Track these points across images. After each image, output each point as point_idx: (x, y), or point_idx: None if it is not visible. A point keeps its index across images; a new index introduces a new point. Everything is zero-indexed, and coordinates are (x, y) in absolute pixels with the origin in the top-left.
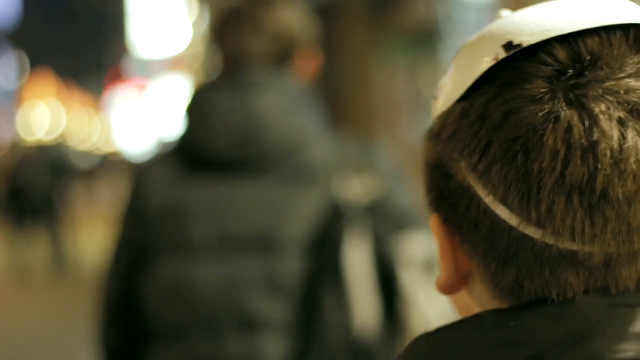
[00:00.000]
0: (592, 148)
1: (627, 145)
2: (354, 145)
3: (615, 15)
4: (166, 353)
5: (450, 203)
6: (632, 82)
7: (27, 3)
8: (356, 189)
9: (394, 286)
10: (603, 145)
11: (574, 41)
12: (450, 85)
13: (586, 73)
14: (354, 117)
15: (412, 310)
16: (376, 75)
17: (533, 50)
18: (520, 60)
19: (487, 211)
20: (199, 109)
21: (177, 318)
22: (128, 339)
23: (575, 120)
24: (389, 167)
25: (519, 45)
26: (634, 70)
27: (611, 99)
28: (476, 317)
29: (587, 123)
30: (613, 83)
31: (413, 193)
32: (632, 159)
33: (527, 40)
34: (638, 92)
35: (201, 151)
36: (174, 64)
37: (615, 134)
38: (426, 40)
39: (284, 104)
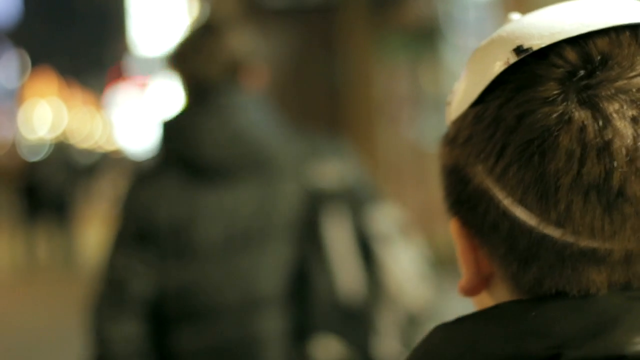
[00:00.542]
0: (606, 146)
1: None
2: (316, 139)
3: (623, 15)
4: (189, 335)
5: (468, 206)
6: None
7: (27, 2)
8: (326, 176)
9: (371, 257)
10: (617, 143)
11: (583, 42)
12: (463, 90)
13: (597, 73)
14: (354, 115)
15: (387, 276)
16: (377, 73)
17: (543, 53)
18: (531, 63)
19: (506, 213)
20: (183, 130)
21: (195, 306)
22: (149, 327)
23: (589, 120)
24: (350, 156)
25: (529, 49)
26: None
27: (623, 97)
28: (496, 308)
29: (600, 122)
30: (624, 82)
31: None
32: None
33: (537, 43)
34: None
35: (195, 165)
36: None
37: (629, 131)
38: (427, 37)
39: (250, 118)
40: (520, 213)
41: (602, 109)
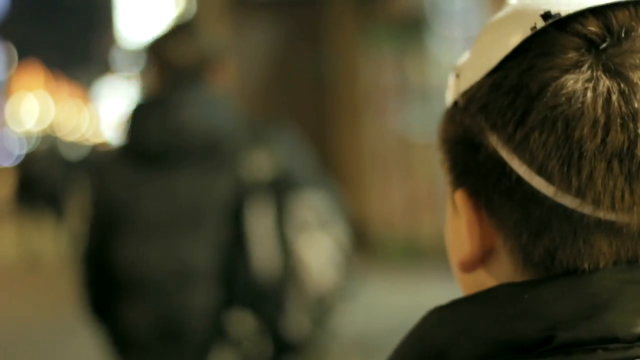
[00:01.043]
0: (631, 115)
1: None
2: (262, 130)
3: None
4: (133, 304)
5: (479, 175)
6: None
7: None
8: (258, 167)
9: (286, 243)
10: None
11: (605, 14)
12: (477, 60)
13: (622, 43)
14: (341, 106)
15: (299, 261)
16: (363, 64)
17: (565, 23)
18: (553, 33)
19: (521, 182)
20: (136, 121)
21: (137, 278)
22: (103, 293)
23: (615, 88)
24: (289, 144)
25: (557, 15)
26: None
27: None
28: (490, 291)
29: (626, 91)
30: None
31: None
32: None
33: (565, 9)
34: None
35: (143, 153)
36: None
37: None
38: (413, 28)
39: (201, 111)
40: (537, 182)
41: (628, 77)
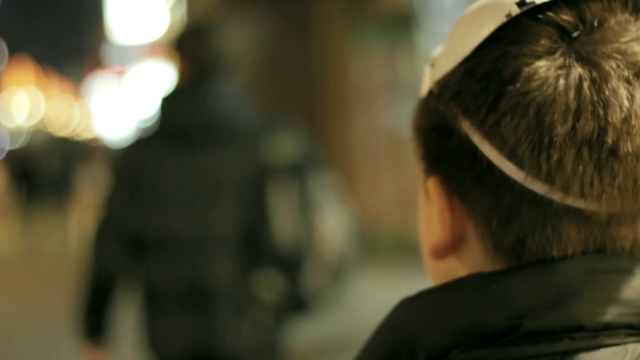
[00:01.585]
0: (602, 103)
1: (635, 103)
2: (273, 119)
3: None
4: (157, 263)
5: (451, 162)
6: (635, 46)
7: None
8: (275, 152)
9: (306, 217)
10: (613, 101)
11: (578, 4)
12: (452, 49)
13: (594, 33)
14: (330, 102)
15: (316, 232)
16: (353, 60)
17: (539, 12)
18: (526, 21)
19: (491, 167)
20: (172, 106)
21: (161, 241)
22: (126, 253)
23: (586, 76)
24: (300, 133)
25: (532, 3)
26: (635, 35)
27: (619, 57)
28: (458, 281)
29: (598, 78)
30: (620, 44)
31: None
32: None
33: None
34: None
35: (177, 134)
36: (151, 50)
37: (624, 91)
38: (403, 24)
39: (224, 101)
40: (507, 167)
41: (600, 66)
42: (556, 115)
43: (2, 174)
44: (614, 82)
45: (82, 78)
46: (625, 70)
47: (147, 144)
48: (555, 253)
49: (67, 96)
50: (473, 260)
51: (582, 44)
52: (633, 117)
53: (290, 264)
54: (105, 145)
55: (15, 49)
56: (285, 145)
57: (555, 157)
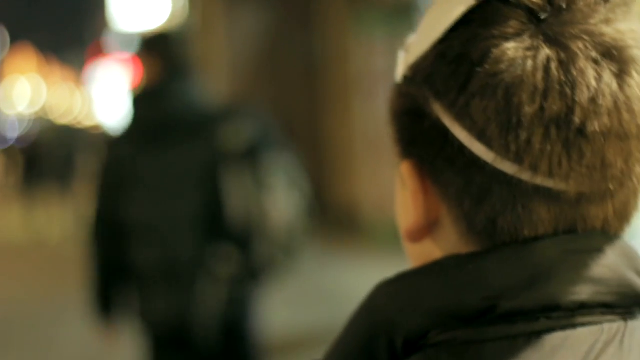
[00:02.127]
0: (570, 83)
1: (603, 82)
2: (233, 107)
3: None
4: (139, 247)
5: (423, 144)
6: (604, 28)
7: None
8: (231, 139)
9: (259, 199)
10: (580, 81)
11: None
12: (424, 33)
13: (563, 14)
14: (332, 90)
15: (268, 212)
16: (354, 48)
17: None
18: (496, 4)
19: (462, 148)
20: (141, 106)
21: (141, 226)
22: (116, 238)
23: (554, 57)
24: (259, 120)
25: None
26: (604, 17)
27: (587, 38)
28: (435, 263)
29: (565, 59)
30: (588, 26)
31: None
32: (608, 97)
33: None
34: (609, 36)
35: (149, 129)
36: None
37: (592, 72)
38: (404, 12)
39: (186, 99)
40: (477, 148)
41: (568, 46)
42: (524, 96)
43: (8, 161)
44: (581, 63)
45: (83, 65)
46: (593, 51)
47: (123, 140)
48: (526, 233)
49: (69, 84)
50: (448, 243)
51: (550, 25)
52: (600, 97)
53: (242, 239)
54: (107, 133)
55: (17, 37)
56: (240, 132)
57: (523, 137)
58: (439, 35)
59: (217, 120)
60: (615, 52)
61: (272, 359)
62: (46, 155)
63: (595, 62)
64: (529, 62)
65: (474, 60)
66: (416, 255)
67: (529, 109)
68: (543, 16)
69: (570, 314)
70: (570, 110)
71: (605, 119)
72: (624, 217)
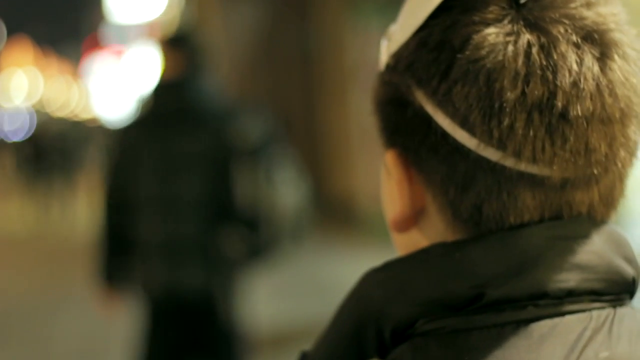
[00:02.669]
0: (551, 68)
1: (584, 66)
2: (241, 105)
3: None
4: (146, 223)
5: (406, 133)
6: (584, 11)
7: None
8: (239, 135)
9: (267, 190)
10: (562, 65)
11: None
12: (405, 21)
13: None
14: (328, 81)
15: (275, 202)
16: (350, 39)
17: None
18: None
19: (446, 136)
20: (157, 98)
21: (147, 204)
22: (125, 214)
23: (534, 41)
24: (266, 120)
25: None
26: (584, 1)
27: (568, 22)
28: (422, 252)
29: (546, 44)
30: (568, 10)
31: None
32: (590, 80)
33: None
34: (590, 20)
35: (163, 118)
36: (150, 30)
37: (573, 56)
38: (400, 3)
39: (201, 95)
40: (460, 135)
41: (548, 31)
42: (505, 81)
43: (15, 154)
44: (562, 47)
45: (80, 58)
46: (574, 35)
47: (137, 125)
48: (512, 220)
49: (66, 76)
50: (434, 232)
51: (531, 10)
52: (582, 81)
53: (248, 224)
54: (104, 125)
55: (14, 30)
56: (249, 130)
57: (505, 123)
58: (419, 22)
59: (227, 116)
60: (596, 36)
61: (268, 350)
62: (50, 147)
63: (577, 46)
64: (510, 48)
65: (455, 47)
66: (403, 245)
67: (510, 95)
68: (523, 1)
69: (558, 302)
70: (552, 95)
71: (588, 103)
72: (609, 203)
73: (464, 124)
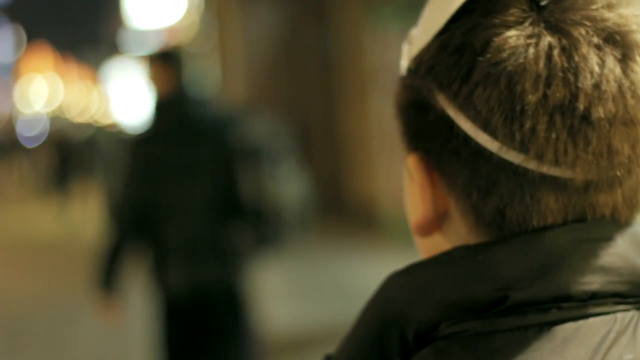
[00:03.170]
0: (573, 70)
1: (606, 68)
2: (240, 115)
3: None
4: (165, 225)
5: (428, 137)
6: (606, 13)
7: None
8: (240, 139)
9: (269, 187)
10: (583, 67)
11: None
12: (426, 24)
13: (564, 0)
14: (347, 84)
15: (278, 197)
16: (370, 42)
17: None
18: None
19: (468, 139)
20: (160, 112)
21: (164, 210)
22: (140, 220)
23: (556, 43)
24: (267, 124)
25: None
26: (606, 2)
27: (589, 24)
28: (445, 254)
29: (567, 46)
30: (589, 12)
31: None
32: (612, 82)
33: None
34: (611, 21)
35: (170, 131)
36: (169, 35)
37: (594, 58)
38: (419, 6)
39: (199, 109)
40: (482, 138)
41: (570, 33)
42: (527, 84)
43: (35, 159)
44: (583, 49)
45: (100, 64)
46: (595, 37)
47: (149, 138)
48: (535, 222)
49: (86, 82)
50: (457, 235)
51: (551, 12)
52: (604, 83)
53: (255, 215)
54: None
55: (34, 35)
56: (250, 135)
57: (527, 126)
58: (440, 25)
59: (226, 122)
60: (618, 37)
61: (290, 353)
62: (70, 153)
63: (598, 47)
64: (531, 50)
65: (476, 50)
66: (426, 249)
67: (532, 97)
68: (544, 3)
69: (581, 304)
70: (574, 97)
71: (610, 105)
72: (633, 205)
73: (486, 127)
